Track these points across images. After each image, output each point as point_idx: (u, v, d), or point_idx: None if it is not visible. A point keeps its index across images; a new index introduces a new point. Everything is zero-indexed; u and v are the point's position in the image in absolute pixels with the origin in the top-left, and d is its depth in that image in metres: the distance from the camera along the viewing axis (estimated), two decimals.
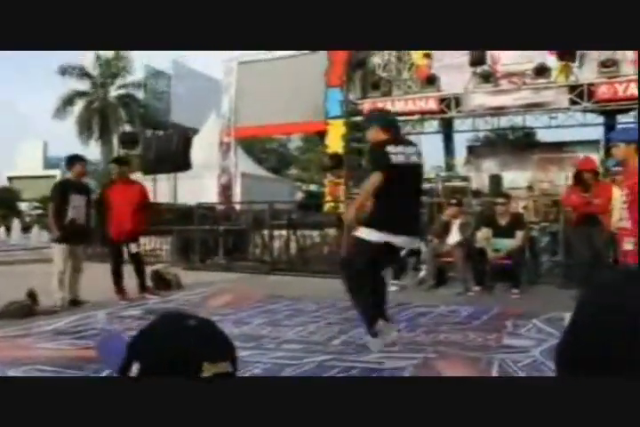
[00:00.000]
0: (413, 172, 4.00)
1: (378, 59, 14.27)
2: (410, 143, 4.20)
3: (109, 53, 28.17)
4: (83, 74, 28.42)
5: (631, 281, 0.60)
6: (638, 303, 0.56)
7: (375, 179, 3.78)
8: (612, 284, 0.62)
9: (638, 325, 0.54)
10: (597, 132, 14.50)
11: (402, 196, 3.87)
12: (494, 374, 3.55)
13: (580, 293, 0.65)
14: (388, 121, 4.21)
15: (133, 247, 6.80)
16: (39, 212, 23.40)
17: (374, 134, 4.08)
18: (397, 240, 3.92)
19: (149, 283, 7.36)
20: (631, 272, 0.63)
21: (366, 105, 13.18)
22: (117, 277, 6.63)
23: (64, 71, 27.78)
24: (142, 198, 6.90)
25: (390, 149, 3.88)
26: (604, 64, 10.91)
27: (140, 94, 28.80)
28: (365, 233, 3.89)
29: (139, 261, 6.89)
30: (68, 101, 28.38)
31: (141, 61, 29.86)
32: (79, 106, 28.56)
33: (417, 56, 14.10)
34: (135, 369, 0.92)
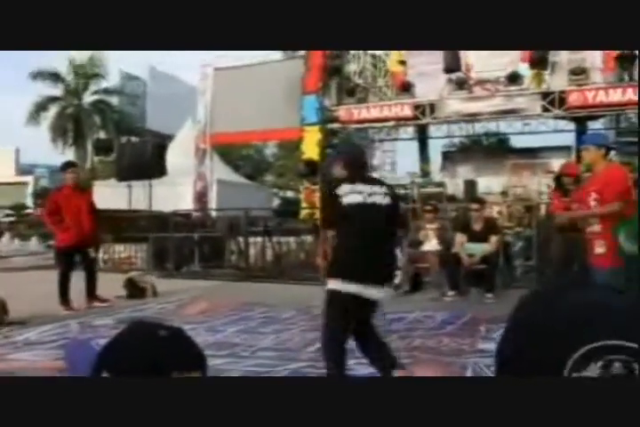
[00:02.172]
0: (374, 212, 3.27)
1: (353, 66, 14.36)
2: (377, 182, 3.49)
3: (83, 58, 27.89)
4: (56, 79, 28.05)
5: (575, 285, 0.62)
6: (576, 306, 0.58)
7: (323, 233, 3.42)
8: (553, 288, 0.64)
9: (574, 326, 0.56)
10: (569, 139, 14.76)
11: (360, 239, 3.22)
12: None
13: (522, 296, 0.67)
14: (350, 157, 3.61)
15: (92, 252, 6.71)
16: (11, 219, 22.99)
17: (338, 171, 3.52)
18: (358, 290, 3.16)
19: (124, 291, 7.30)
20: (577, 277, 0.65)
21: (342, 112, 13.24)
22: (65, 286, 6.43)
23: (36, 76, 27.41)
24: (93, 205, 6.85)
25: (344, 188, 3.29)
26: (574, 72, 11.13)
27: (114, 100, 28.55)
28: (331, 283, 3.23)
29: (93, 268, 6.79)
30: (42, 107, 27.99)
31: (116, 67, 29.60)
32: (52, 112, 28.19)
33: (392, 63, 14.23)
34: None
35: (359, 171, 3.48)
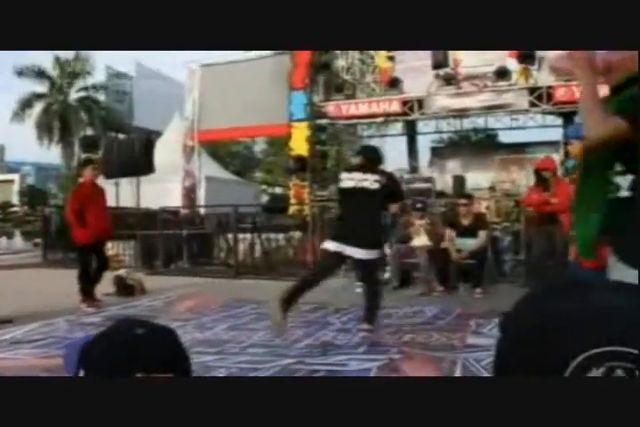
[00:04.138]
0: (364, 194, 4.51)
1: (341, 61, 14.34)
2: (372, 172, 4.59)
3: (69, 54, 27.66)
4: (41, 75, 27.78)
5: (569, 289, 0.60)
6: (573, 309, 0.56)
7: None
8: (544, 291, 0.62)
9: (570, 332, 0.55)
10: (557, 134, 14.83)
11: (350, 212, 4.63)
12: (458, 373, 3.58)
13: (518, 300, 0.66)
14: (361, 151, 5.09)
15: (106, 250, 6.78)
16: None
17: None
18: (348, 250, 4.42)
19: (112, 288, 7.25)
20: (569, 280, 0.64)
21: (330, 107, 13.21)
22: (87, 282, 6.40)
23: (21, 73, 27.13)
24: (106, 201, 6.94)
25: (343, 175, 4.71)
26: None
27: (101, 97, 28.31)
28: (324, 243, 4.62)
29: (106, 266, 6.76)
30: (27, 104, 27.72)
31: (102, 63, 29.40)
32: (38, 108, 27.92)
33: (380, 59, 14.22)
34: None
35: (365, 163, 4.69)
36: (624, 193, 1.62)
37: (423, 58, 12.13)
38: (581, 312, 0.56)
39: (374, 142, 17.27)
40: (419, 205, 7.83)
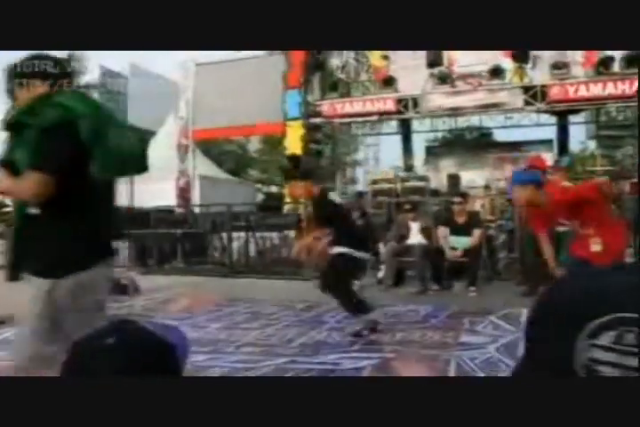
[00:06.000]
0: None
1: (336, 60, 14.33)
2: None
3: (63, 54, 27.53)
4: None
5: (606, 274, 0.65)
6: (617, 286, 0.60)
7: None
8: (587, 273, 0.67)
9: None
10: (551, 132, 14.87)
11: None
12: (451, 371, 3.57)
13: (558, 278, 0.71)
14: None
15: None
16: None
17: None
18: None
19: None
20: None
21: (325, 106, 13.20)
22: None
23: None
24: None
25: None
26: (555, 66, 11.20)
27: (95, 96, 28.21)
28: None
29: None
30: None
31: (96, 63, 29.25)
32: None
33: (374, 58, 14.22)
34: None
35: None
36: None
37: (418, 57, 12.13)
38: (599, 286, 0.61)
39: (369, 141, 17.34)
40: (407, 207, 7.84)
